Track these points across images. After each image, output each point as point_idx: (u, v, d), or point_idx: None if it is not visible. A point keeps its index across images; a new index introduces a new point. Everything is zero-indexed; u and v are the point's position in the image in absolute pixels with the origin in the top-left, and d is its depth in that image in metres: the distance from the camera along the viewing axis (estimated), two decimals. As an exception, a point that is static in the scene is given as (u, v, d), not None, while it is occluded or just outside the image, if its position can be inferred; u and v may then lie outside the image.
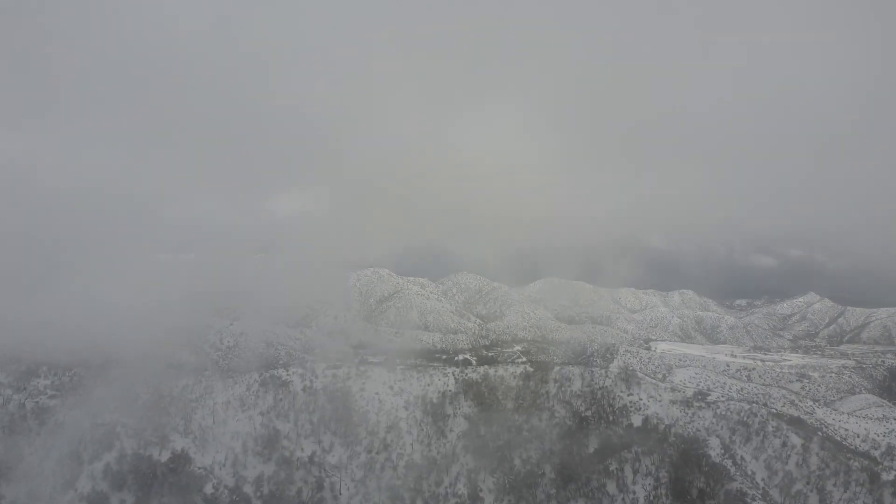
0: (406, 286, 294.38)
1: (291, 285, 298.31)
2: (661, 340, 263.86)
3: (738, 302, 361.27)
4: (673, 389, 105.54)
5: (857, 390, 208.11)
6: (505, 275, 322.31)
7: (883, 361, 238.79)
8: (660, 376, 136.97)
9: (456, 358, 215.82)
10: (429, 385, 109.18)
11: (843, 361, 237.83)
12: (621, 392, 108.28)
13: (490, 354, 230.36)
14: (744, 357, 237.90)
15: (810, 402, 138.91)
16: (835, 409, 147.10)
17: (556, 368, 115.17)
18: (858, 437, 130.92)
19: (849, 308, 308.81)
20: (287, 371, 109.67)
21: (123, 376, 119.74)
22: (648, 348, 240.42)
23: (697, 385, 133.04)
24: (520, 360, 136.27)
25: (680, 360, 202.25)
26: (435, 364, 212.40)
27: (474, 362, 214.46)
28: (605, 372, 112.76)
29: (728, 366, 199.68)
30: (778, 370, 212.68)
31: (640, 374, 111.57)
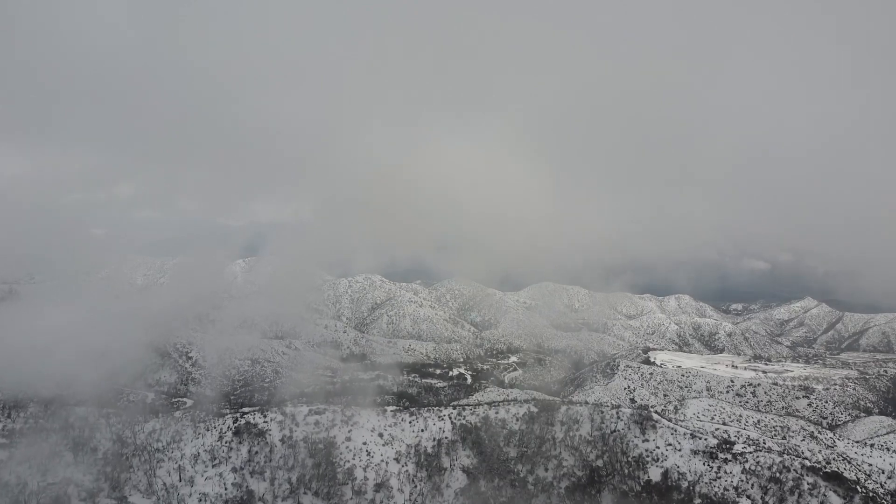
0: (398, 293, 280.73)
1: (280, 292, 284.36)
2: (660, 349, 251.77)
3: (733, 306, 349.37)
4: (693, 436, 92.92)
5: (863, 403, 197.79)
6: (498, 279, 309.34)
7: (886, 371, 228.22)
8: (671, 408, 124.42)
9: (450, 373, 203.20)
10: (423, 431, 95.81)
11: (845, 372, 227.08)
12: (635, 437, 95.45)
13: (485, 367, 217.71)
14: (745, 368, 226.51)
15: (830, 434, 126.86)
16: (854, 440, 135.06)
17: (563, 409, 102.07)
18: (884, 473, 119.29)
19: (847, 313, 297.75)
20: (265, 417, 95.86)
21: (85, 417, 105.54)
22: (648, 359, 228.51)
23: (712, 418, 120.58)
24: (519, 399, 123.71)
25: (683, 376, 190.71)
26: (430, 379, 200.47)
27: (469, 378, 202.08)
28: (617, 413, 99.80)
29: (732, 381, 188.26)
30: (781, 383, 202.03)
31: (654, 416, 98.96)
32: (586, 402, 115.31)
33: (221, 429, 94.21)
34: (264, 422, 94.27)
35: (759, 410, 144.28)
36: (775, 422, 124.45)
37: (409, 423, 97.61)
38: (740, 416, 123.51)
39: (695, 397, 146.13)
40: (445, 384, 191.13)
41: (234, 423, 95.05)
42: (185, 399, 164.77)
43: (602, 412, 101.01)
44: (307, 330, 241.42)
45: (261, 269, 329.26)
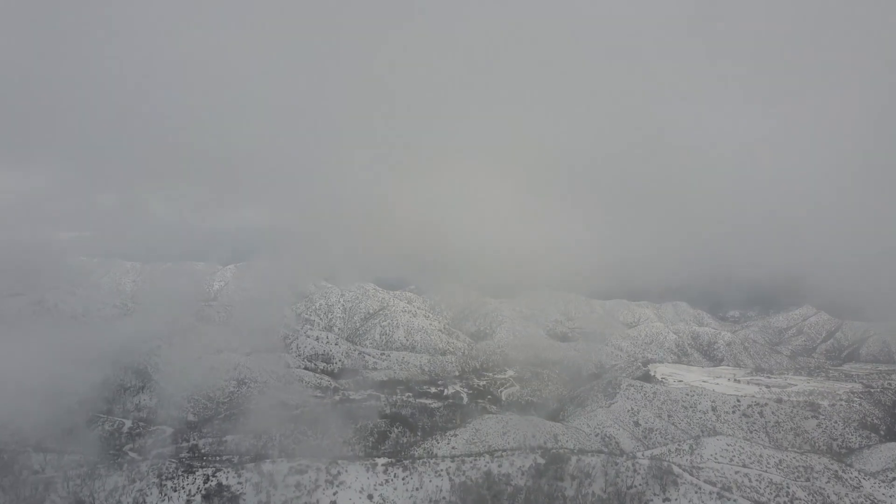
0: (392, 302, 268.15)
1: (271, 300, 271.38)
2: (660, 361, 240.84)
3: (731, 313, 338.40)
4: (720, 496, 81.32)
5: (869, 420, 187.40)
6: (493, 287, 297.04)
7: (890, 384, 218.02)
8: (686, 448, 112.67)
9: (445, 392, 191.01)
10: (417, 489, 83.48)
11: (850, 385, 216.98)
12: (655, 495, 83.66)
13: (482, 384, 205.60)
14: (748, 382, 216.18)
15: (855, 472, 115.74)
16: (872, 472, 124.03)
17: (574, 460, 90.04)
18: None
19: (846, 321, 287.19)
20: (239, 477, 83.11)
21: (41, 470, 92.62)
22: (648, 373, 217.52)
23: (731, 460, 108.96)
24: (524, 447, 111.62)
25: (687, 395, 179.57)
26: (424, 398, 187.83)
27: (465, 397, 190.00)
28: (633, 465, 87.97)
29: (739, 401, 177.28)
30: (786, 399, 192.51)
31: (676, 469, 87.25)
32: (599, 451, 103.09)
33: (190, 490, 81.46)
34: (238, 483, 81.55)
35: (777, 446, 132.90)
36: (797, 461, 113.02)
37: (403, 479, 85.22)
38: (760, 455, 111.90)
39: (709, 435, 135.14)
40: (440, 404, 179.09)
41: (204, 483, 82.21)
42: (164, 426, 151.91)
43: (616, 464, 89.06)
44: (298, 342, 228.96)
45: (251, 274, 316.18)
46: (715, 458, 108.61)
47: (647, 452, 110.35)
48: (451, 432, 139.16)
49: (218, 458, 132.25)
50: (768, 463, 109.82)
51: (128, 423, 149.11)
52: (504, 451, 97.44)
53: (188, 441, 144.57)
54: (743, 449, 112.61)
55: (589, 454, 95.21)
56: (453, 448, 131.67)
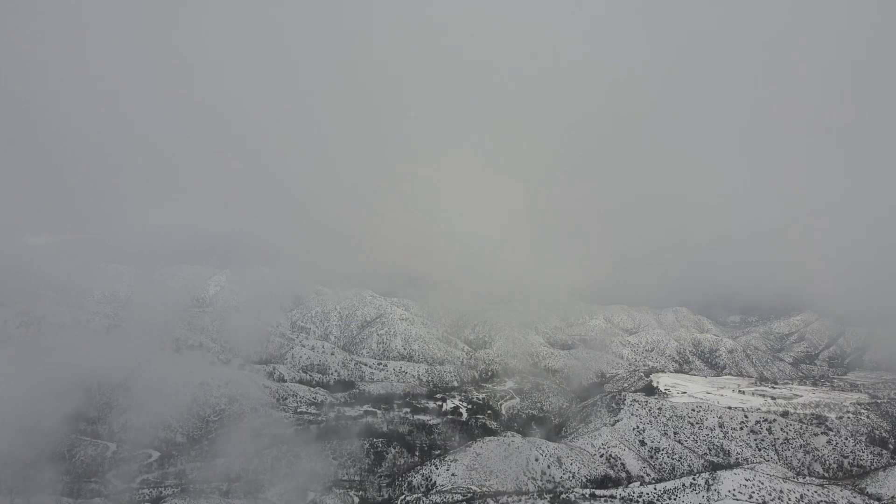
0: (389, 309, 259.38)
1: (266, 307, 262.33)
2: (661, 370, 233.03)
3: (731, 318, 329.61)
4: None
5: (878, 433, 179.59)
6: (491, 292, 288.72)
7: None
8: (702, 482, 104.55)
9: (443, 407, 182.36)
10: (416, 543, 75.00)
11: (856, 396, 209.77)
12: (675, 546, 75.31)
13: (482, 396, 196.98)
14: (753, 393, 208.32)
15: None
16: (891, 498, 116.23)
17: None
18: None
19: (848, 327, 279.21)
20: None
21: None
22: (651, 384, 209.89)
23: (750, 496, 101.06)
24: (532, 490, 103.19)
25: (693, 411, 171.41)
26: (422, 415, 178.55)
27: (465, 412, 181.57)
28: (650, 512, 79.79)
29: (746, 417, 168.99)
30: (793, 412, 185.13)
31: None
32: (612, 497, 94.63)
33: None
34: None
35: (796, 475, 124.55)
36: (819, 495, 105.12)
37: (400, 531, 76.56)
38: (781, 490, 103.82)
39: (719, 454, 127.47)
40: (439, 421, 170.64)
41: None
42: (151, 450, 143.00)
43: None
44: (293, 352, 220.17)
45: (246, 279, 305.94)
46: (733, 495, 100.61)
47: (661, 486, 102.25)
48: (451, 457, 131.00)
49: (206, 486, 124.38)
50: (789, 499, 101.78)
51: (112, 447, 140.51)
52: (510, 494, 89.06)
53: (175, 465, 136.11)
54: (762, 484, 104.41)
55: (602, 501, 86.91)
56: (453, 475, 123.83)
